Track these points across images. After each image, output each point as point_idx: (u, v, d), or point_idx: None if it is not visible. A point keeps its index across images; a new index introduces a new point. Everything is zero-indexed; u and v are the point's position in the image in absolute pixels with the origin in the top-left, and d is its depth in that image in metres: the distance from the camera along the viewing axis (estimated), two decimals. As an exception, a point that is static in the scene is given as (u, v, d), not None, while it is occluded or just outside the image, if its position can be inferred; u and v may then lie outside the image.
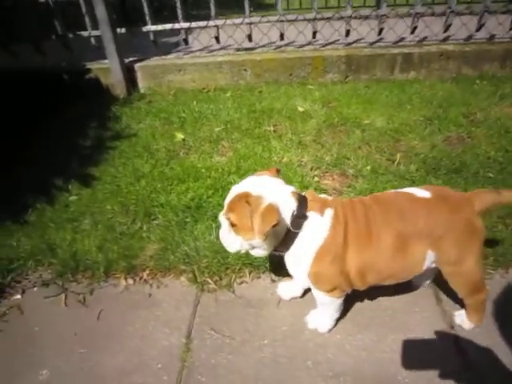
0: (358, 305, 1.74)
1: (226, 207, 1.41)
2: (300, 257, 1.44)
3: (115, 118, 3.26)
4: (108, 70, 3.74)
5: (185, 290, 1.87)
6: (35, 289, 1.94)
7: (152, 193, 2.36)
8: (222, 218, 1.44)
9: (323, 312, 1.62)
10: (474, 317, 1.60)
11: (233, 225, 1.39)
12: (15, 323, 1.79)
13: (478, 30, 3.80)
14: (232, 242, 1.46)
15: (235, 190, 1.41)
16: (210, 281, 1.88)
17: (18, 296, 1.91)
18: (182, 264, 1.95)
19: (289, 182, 1.58)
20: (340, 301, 1.54)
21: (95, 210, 2.28)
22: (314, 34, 3.84)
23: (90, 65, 3.79)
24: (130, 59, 3.86)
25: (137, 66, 3.80)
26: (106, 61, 3.73)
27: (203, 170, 2.51)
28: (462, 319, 1.63)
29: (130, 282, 1.93)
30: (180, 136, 2.89)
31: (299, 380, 1.49)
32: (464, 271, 1.47)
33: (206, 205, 2.24)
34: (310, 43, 3.95)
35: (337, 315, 1.62)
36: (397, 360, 1.52)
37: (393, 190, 1.59)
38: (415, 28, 3.80)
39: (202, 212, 2.20)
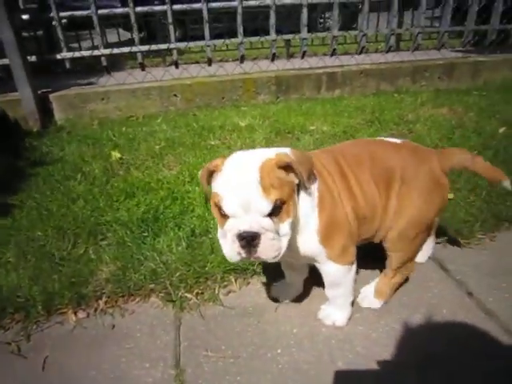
0: (368, 291, 1.52)
1: (258, 195, 1.00)
2: (306, 215, 1.16)
3: (32, 148, 2.78)
4: (16, 102, 3.26)
5: (159, 313, 1.47)
6: None
7: (94, 212, 1.94)
8: (256, 219, 1.01)
9: (337, 300, 1.36)
10: (384, 293, 1.44)
11: (280, 207, 1.03)
12: None
13: (387, 51, 4.18)
14: (284, 237, 1.07)
15: (248, 169, 1.03)
16: (189, 296, 1.51)
17: None
18: (150, 282, 1.56)
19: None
20: (354, 271, 1.30)
21: (20, 238, 1.78)
22: (242, 57, 3.85)
23: (-8, 97, 3.27)
24: (44, 90, 3.43)
25: (52, 96, 3.38)
26: (14, 93, 3.26)
27: (152, 184, 2.17)
28: (370, 300, 1.45)
29: (82, 315, 1.47)
30: (116, 155, 2.52)
31: (333, 385, 1.18)
32: (421, 230, 1.32)
33: (165, 216, 1.90)
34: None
35: (351, 298, 1.37)
36: (433, 338, 1.31)
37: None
38: (334, 50, 4.04)
39: (162, 224, 1.85)
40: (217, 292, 1.54)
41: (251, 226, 1.01)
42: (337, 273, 1.28)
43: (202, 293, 1.54)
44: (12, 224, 1.88)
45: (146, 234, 1.79)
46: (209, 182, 1.12)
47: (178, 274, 1.58)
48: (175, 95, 3.62)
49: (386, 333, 1.34)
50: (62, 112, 3.42)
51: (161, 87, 3.57)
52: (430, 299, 1.47)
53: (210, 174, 1.11)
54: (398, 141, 1.40)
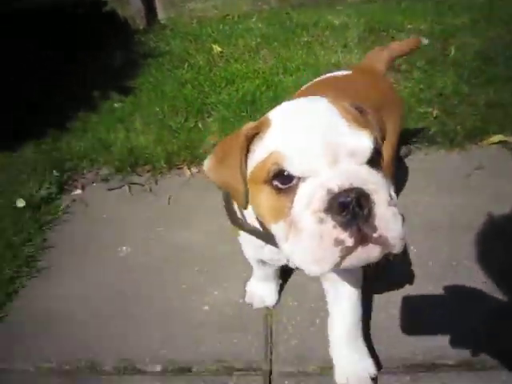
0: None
1: (348, 128, 0.65)
2: None
3: (141, 43, 3.10)
4: (125, 1, 3.55)
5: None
6: (94, 184, 1.84)
7: (200, 94, 2.24)
8: (352, 168, 0.64)
9: None
10: None
11: (379, 155, 0.69)
12: (81, 214, 1.70)
13: None
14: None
15: (319, 106, 0.71)
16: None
17: (79, 191, 1.81)
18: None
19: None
20: None
21: (143, 112, 2.17)
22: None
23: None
24: (148, -12, 3.66)
25: (156, -6, 3.61)
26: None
27: (249, 74, 2.38)
28: None
29: (195, 170, 1.84)
30: (217, 48, 2.75)
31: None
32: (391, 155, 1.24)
33: (260, 100, 2.13)
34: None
35: None
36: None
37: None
38: None
39: (258, 106, 2.09)
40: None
41: (350, 179, 0.60)
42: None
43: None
44: (134, 100, 2.27)
45: (244, 114, 2.05)
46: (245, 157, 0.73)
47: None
48: (269, -7, 3.62)
49: (448, 205, 1.51)
50: (165, 11, 3.65)
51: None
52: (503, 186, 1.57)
53: (248, 143, 0.73)
54: (347, 72, 1.30)
